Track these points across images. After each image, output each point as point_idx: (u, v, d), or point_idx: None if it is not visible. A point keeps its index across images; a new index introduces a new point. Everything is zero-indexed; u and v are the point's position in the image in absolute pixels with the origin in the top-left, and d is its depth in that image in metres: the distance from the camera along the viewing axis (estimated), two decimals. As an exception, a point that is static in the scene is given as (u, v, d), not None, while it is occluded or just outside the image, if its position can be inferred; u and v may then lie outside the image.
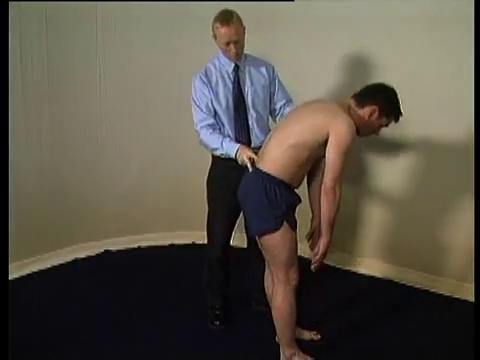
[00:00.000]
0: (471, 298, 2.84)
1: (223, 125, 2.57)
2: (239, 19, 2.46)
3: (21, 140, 3.23)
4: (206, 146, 2.56)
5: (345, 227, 3.45)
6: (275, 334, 2.58)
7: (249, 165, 2.27)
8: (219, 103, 2.54)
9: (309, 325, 2.65)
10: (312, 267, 2.22)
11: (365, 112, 2.20)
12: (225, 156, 2.49)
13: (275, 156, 2.17)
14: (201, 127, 2.53)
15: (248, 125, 2.58)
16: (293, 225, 2.21)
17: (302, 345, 2.50)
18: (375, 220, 3.35)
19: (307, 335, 2.63)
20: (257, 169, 2.22)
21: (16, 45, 3.08)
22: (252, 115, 2.59)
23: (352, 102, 2.23)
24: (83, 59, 3.39)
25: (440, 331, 2.75)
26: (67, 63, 3.33)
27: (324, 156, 2.13)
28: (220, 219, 2.71)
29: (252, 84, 2.59)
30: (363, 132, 2.25)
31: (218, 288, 2.86)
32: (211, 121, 2.54)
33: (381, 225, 3.33)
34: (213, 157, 2.66)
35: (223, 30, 2.41)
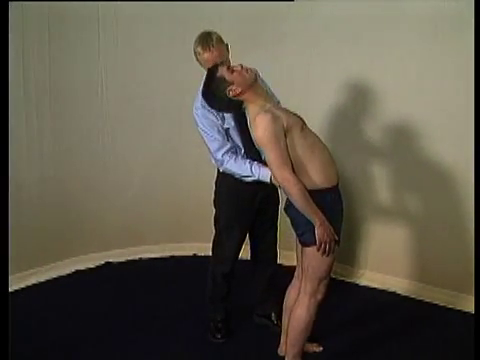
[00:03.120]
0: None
1: (238, 146, 2.54)
2: (219, 39, 2.43)
3: (22, 151, 3.24)
4: (234, 174, 2.51)
5: (347, 239, 3.45)
6: (277, 346, 2.58)
7: None
8: (229, 123, 2.51)
9: (312, 337, 2.61)
10: (320, 253, 2.16)
11: (239, 96, 2.15)
12: (256, 181, 2.46)
13: None
14: (223, 155, 2.48)
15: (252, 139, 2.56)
16: (336, 241, 2.18)
17: (305, 358, 2.47)
18: (377, 232, 3.34)
19: (310, 348, 2.61)
20: None
21: (18, 56, 3.10)
22: None
23: (247, 109, 2.20)
24: (85, 72, 3.41)
25: (446, 345, 2.72)
26: (69, 76, 3.35)
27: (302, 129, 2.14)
28: (234, 237, 2.68)
29: None
30: (248, 83, 2.14)
31: (221, 302, 2.84)
32: (229, 146, 2.51)
33: (382, 237, 3.31)
34: (220, 173, 2.64)
35: (206, 55, 2.39)
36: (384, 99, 3.11)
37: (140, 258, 3.76)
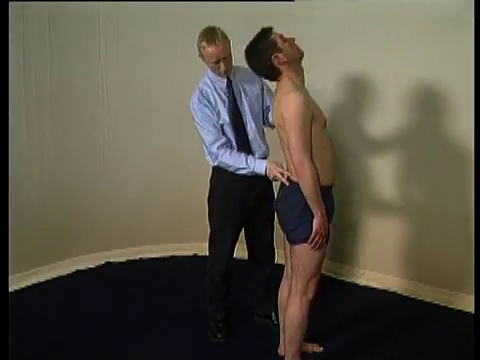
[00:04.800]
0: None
1: (230, 140, 2.55)
2: (224, 35, 2.44)
3: (22, 151, 3.24)
4: (228, 167, 2.50)
5: (346, 238, 3.45)
6: (277, 346, 2.58)
7: (284, 180, 2.22)
8: (224, 119, 2.53)
9: (312, 337, 2.62)
10: (310, 246, 2.16)
11: (280, 66, 2.12)
12: (251, 174, 2.46)
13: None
14: (218, 148, 2.49)
15: (248, 137, 2.57)
16: (327, 237, 2.19)
17: (305, 358, 2.48)
18: (376, 232, 3.34)
19: (310, 348, 2.61)
20: (291, 181, 2.20)
21: (18, 56, 3.10)
22: (251, 127, 2.57)
23: (282, 82, 2.16)
24: (85, 72, 3.42)
25: (446, 345, 2.71)
26: (69, 76, 3.36)
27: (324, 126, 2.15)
28: (227, 235, 2.68)
29: (247, 95, 2.59)
30: (295, 57, 2.15)
31: (220, 301, 2.84)
32: (224, 139, 2.51)
33: (382, 237, 3.31)
34: (215, 171, 2.65)
35: (210, 49, 2.40)
36: (384, 99, 3.11)
37: (140, 258, 3.76)
